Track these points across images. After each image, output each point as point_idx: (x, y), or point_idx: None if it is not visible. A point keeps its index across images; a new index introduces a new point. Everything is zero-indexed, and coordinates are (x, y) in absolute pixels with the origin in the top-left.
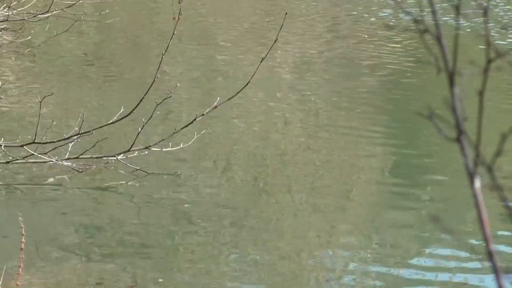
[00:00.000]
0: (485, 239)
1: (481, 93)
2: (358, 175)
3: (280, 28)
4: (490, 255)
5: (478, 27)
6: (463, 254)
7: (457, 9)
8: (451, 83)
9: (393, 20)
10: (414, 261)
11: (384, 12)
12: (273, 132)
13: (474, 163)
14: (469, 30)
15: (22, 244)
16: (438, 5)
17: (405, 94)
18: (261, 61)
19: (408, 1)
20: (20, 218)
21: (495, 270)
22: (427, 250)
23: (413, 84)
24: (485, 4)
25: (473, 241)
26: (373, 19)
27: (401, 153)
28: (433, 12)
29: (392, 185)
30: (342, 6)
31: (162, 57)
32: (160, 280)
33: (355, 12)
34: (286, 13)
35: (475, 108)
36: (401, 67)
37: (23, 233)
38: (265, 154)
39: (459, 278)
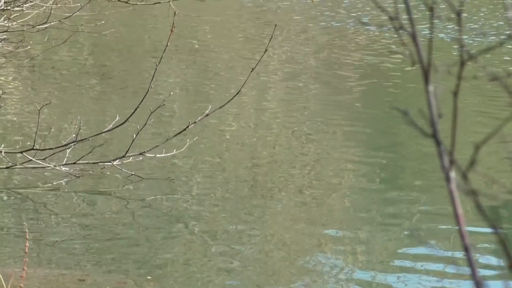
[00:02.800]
0: (461, 234)
1: (455, 94)
2: (345, 180)
3: (270, 39)
4: (466, 250)
5: (453, 33)
6: (447, 261)
7: (431, 9)
8: (426, 80)
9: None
10: (397, 263)
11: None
12: (264, 138)
13: (449, 160)
14: (443, 35)
15: (26, 248)
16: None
17: (391, 98)
18: (251, 71)
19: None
20: (24, 223)
21: (471, 264)
22: (410, 254)
23: (399, 87)
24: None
25: (454, 250)
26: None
27: (387, 158)
28: (408, 10)
29: (378, 190)
30: (329, 16)
31: (156, 67)
32: (149, 277)
33: (343, 17)
34: (276, 25)
35: (458, 109)
36: (391, 71)
37: (27, 237)
38: (256, 159)
39: (437, 281)
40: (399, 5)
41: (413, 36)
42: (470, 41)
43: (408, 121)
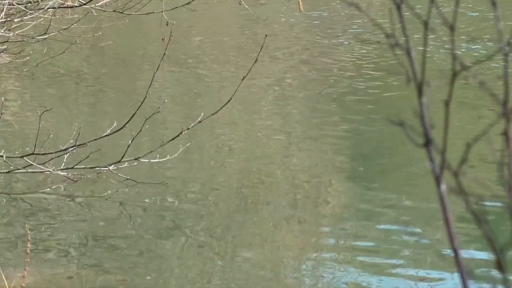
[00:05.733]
0: (450, 238)
1: (447, 103)
2: (334, 187)
3: (260, 49)
4: (454, 252)
5: (446, 39)
6: (432, 260)
7: (425, 24)
8: (420, 93)
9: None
10: (386, 267)
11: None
12: (255, 145)
13: (440, 167)
14: (434, 43)
15: (28, 249)
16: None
17: (379, 107)
18: (242, 80)
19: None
20: (26, 225)
21: (459, 266)
22: (402, 260)
23: (386, 97)
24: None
25: (443, 248)
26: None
27: (375, 165)
28: (403, 27)
29: (366, 196)
30: (320, 27)
31: (154, 75)
32: (148, 277)
33: (331, 29)
34: (266, 35)
35: (443, 117)
36: (374, 80)
37: (29, 238)
38: (248, 166)
39: (425, 282)
40: (394, 20)
41: (408, 52)
42: (463, 50)
43: (404, 132)
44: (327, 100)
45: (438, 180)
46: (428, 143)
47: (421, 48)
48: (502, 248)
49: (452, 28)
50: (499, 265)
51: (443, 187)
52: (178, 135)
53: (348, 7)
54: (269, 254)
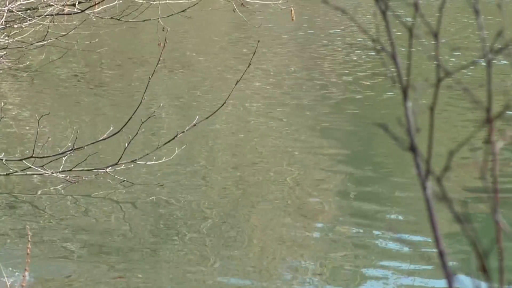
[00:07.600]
0: (436, 240)
1: (431, 108)
2: (323, 188)
3: (253, 54)
4: (441, 255)
5: (430, 47)
6: (418, 263)
7: (410, 31)
8: (405, 97)
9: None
10: (375, 267)
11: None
12: (249, 147)
13: (426, 171)
14: (420, 48)
15: (28, 250)
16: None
17: (366, 112)
18: (236, 84)
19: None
20: (27, 226)
21: (445, 269)
22: (393, 260)
23: (372, 100)
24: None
25: (428, 250)
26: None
27: (362, 167)
28: (389, 33)
29: (354, 196)
30: (310, 32)
31: (149, 81)
32: (140, 276)
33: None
34: (259, 41)
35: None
36: (363, 85)
37: (29, 240)
38: (242, 168)
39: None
40: (380, 26)
41: (393, 57)
42: (446, 57)
43: (389, 135)
44: (320, 105)
45: (423, 184)
46: (413, 146)
47: (406, 50)
48: (485, 251)
49: (436, 35)
50: (483, 268)
51: (429, 191)
52: (173, 138)
53: (340, 13)
54: (263, 254)
